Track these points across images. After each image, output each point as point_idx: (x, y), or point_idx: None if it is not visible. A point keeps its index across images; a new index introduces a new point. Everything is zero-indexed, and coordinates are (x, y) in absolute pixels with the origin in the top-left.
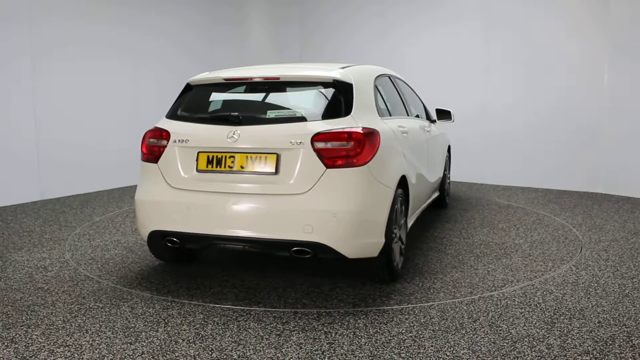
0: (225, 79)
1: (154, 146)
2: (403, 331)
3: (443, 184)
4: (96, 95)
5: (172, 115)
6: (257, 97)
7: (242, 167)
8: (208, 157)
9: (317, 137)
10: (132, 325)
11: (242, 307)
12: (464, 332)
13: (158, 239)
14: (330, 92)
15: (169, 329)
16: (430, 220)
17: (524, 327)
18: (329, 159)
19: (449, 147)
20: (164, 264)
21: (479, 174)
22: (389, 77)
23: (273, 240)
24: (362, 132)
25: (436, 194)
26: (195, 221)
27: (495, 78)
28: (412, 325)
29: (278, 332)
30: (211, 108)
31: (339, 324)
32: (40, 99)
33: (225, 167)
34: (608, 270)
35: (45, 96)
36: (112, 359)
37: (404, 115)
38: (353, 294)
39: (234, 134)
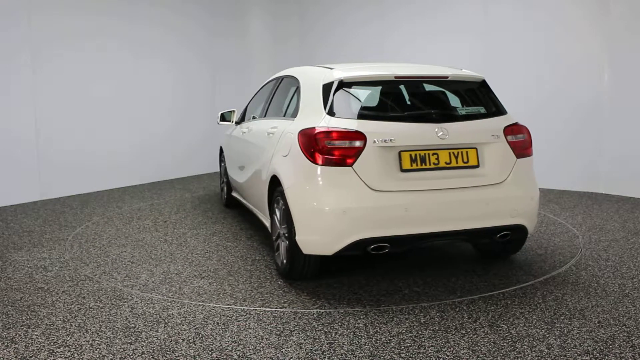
0: (396, 77)
1: (343, 148)
2: (403, 331)
3: None
4: (96, 94)
5: (344, 113)
6: (433, 94)
7: (446, 163)
8: (411, 155)
9: (507, 130)
10: (132, 325)
11: (242, 307)
12: (464, 332)
13: (360, 248)
14: (485, 90)
15: (169, 329)
16: None
17: (524, 327)
18: (517, 150)
19: None
20: (163, 264)
21: None
22: None
23: (486, 228)
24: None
25: None
26: (413, 222)
27: (495, 78)
28: (412, 325)
29: (278, 332)
30: (400, 105)
31: (339, 324)
32: (40, 98)
33: (430, 164)
34: (608, 270)
35: (45, 95)
36: (112, 359)
37: None
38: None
39: (441, 131)
